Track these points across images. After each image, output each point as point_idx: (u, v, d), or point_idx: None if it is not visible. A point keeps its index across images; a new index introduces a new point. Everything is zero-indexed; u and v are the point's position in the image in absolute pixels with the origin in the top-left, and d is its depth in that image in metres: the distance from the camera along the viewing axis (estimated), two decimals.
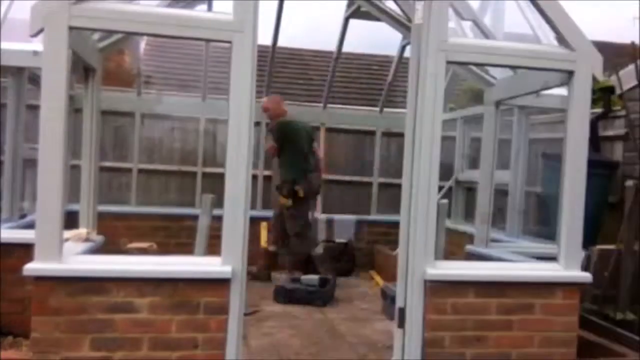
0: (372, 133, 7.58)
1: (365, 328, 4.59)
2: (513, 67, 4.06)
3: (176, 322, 2.96)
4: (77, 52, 3.37)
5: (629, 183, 4.62)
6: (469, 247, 4.49)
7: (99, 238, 3.96)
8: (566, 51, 3.34)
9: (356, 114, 7.69)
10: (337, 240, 6.93)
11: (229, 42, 2.98)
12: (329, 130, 7.65)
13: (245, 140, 2.98)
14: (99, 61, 4.03)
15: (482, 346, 3.26)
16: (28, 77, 4.37)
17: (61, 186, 2.85)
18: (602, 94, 5.15)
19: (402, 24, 5.30)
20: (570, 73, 3.33)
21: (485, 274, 3.37)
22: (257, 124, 6.73)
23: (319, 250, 6.42)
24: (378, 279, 6.30)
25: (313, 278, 5.54)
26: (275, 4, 5.91)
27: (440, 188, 5.70)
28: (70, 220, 3.53)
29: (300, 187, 5.87)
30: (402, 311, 3.22)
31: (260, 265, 6.14)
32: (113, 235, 4.70)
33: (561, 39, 3.37)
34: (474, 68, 4.43)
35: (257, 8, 2.99)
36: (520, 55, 3.36)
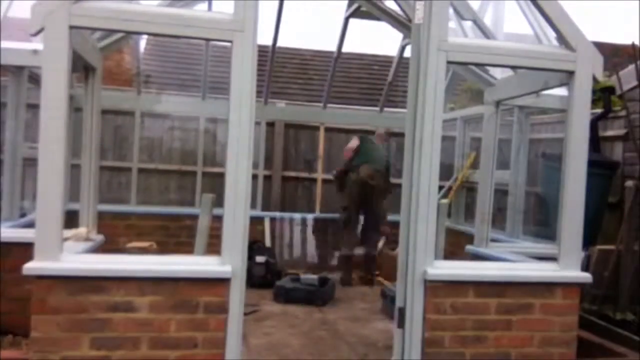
0: (372, 133, 7.57)
1: (365, 328, 4.59)
2: (513, 67, 4.06)
3: (176, 322, 2.96)
4: (78, 51, 3.37)
5: (629, 183, 4.63)
6: (469, 247, 4.49)
7: (98, 237, 3.96)
8: (566, 51, 3.34)
9: (356, 114, 7.69)
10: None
11: (230, 41, 2.98)
12: (329, 130, 7.66)
13: (245, 139, 2.98)
14: (99, 60, 4.02)
15: (481, 346, 3.26)
16: (28, 76, 4.37)
17: (61, 185, 2.85)
18: (602, 94, 5.15)
19: (403, 24, 5.29)
20: (570, 73, 3.33)
21: (485, 274, 3.36)
22: (258, 123, 6.74)
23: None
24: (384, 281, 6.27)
25: (312, 277, 5.55)
26: (276, 4, 5.90)
27: (440, 188, 5.70)
28: (70, 220, 3.53)
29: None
30: (402, 311, 3.22)
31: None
32: (113, 235, 4.70)
33: (561, 39, 3.38)
34: (474, 68, 4.42)
35: (257, 8, 2.99)
36: (521, 56, 3.36)
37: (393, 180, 7.12)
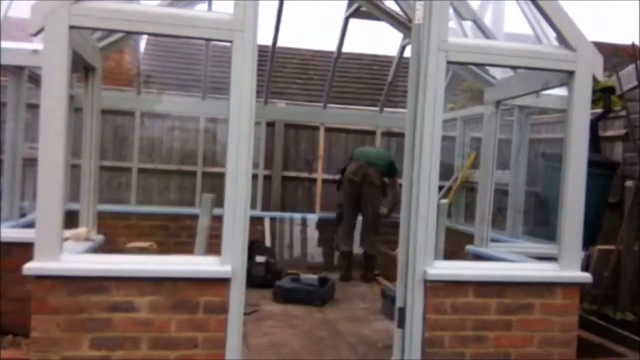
0: (372, 133, 7.59)
1: (365, 328, 4.59)
2: (513, 67, 4.06)
3: (176, 322, 2.96)
4: (78, 51, 3.37)
5: (629, 183, 4.63)
6: (469, 247, 4.49)
7: (98, 237, 3.96)
8: (566, 51, 3.34)
9: (356, 114, 7.69)
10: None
11: (230, 41, 2.98)
12: (329, 130, 7.66)
13: (245, 139, 2.99)
14: (99, 60, 4.02)
15: (481, 346, 3.26)
16: (28, 76, 4.37)
17: (61, 185, 2.85)
18: (602, 94, 5.16)
19: (403, 24, 5.29)
20: (570, 73, 3.33)
21: (484, 274, 3.37)
22: (258, 123, 6.74)
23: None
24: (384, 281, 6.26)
25: (312, 277, 5.55)
26: (276, 4, 5.91)
27: (441, 188, 5.71)
28: (70, 220, 3.53)
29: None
30: (402, 311, 3.22)
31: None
32: (113, 235, 4.70)
33: (561, 39, 3.38)
34: (474, 68, 4.42)
35: (257, 8, 2.99)
36: (521, 56, 3.36)
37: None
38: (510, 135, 5.31)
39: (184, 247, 5.81)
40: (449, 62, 3.24)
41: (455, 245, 5.04)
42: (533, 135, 5.64)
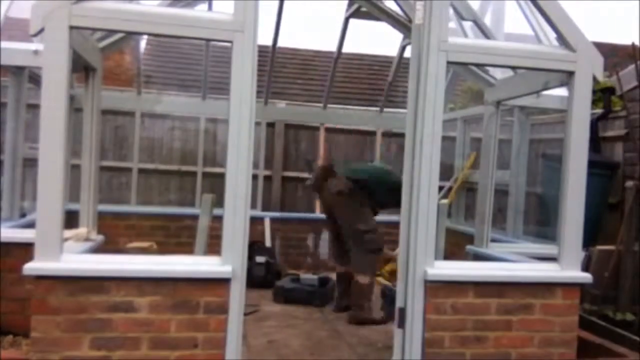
0: (372, 133, 7.59)
1: (365, 328, 4.58)
2: (513, 68, 4.06)
3: (176, 322, 2.96)
4: (78, 52, 3.37)
5: (629, 184, 4.63)
6: (469, 247, 4.49)
7: (99, 237, 3.96)
8: (567, 52, 3.34)
9: (356, 114, 7.69)
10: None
11: (230, 41, 2.98)
12: (329, 130, 7.66)
13: (245, 140, 2.99)
14: (100, 60, 4.03)
15: (481, 346, 3.26)
16: (28, 77, 4.37)
17: (61, 185, 2.85)
18: (603, 95, 5.15)
19: (403, 24, 5.29)
20: (570, 74, 3.33)
21: (485, 274, 3.37)
22: (258, 123, 6.74)
23: None
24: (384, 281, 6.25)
25: (312, 278, 5.54)
26: (276, 4, 5.91)
27: (441, 188, 5.71)
28: (71, 220, 3.53)
29: None
30: (402, 311, 3.22)
31: None
32: (113, 235, 4.70)
33: (562, 40, 3.38)
34: (474, 68, 4.43)
35: (257, 8, 2.99)
36: (521, 56, 3.36)
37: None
38: (511, 136, 5.31)
39: (184, 247, 5.81)
40: (449, 62, 3.23)
41: (455, 245, 5.05)
42: (533, 135, 5.64)
